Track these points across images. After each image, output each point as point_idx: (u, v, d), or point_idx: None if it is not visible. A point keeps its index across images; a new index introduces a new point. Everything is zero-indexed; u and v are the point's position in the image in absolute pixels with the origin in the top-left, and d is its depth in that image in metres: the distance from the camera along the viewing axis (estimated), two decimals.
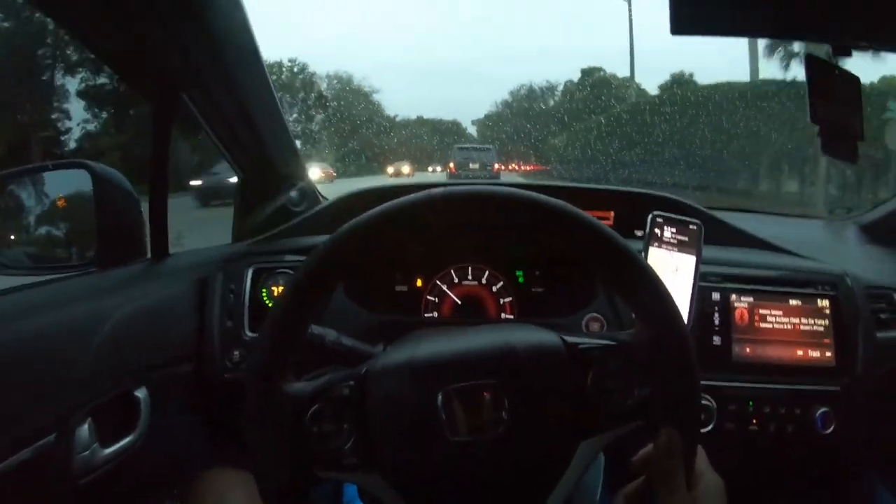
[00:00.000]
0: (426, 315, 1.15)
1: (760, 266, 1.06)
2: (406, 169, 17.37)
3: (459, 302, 1.15)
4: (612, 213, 1.32)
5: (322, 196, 1.35)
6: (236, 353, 0.99)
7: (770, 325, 1.00)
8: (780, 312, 1.00)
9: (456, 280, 1.16)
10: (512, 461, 0.51)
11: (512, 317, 1.15)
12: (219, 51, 0.94)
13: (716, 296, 1.01)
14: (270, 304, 1.04)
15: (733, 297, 1.01)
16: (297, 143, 1.30)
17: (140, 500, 0.96)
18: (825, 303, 1.02)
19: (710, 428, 0.96)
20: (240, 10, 0.92)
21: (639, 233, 1.14)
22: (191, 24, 0.87)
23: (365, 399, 0.52)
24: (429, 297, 1.16)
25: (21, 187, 1.06)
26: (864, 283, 1.07)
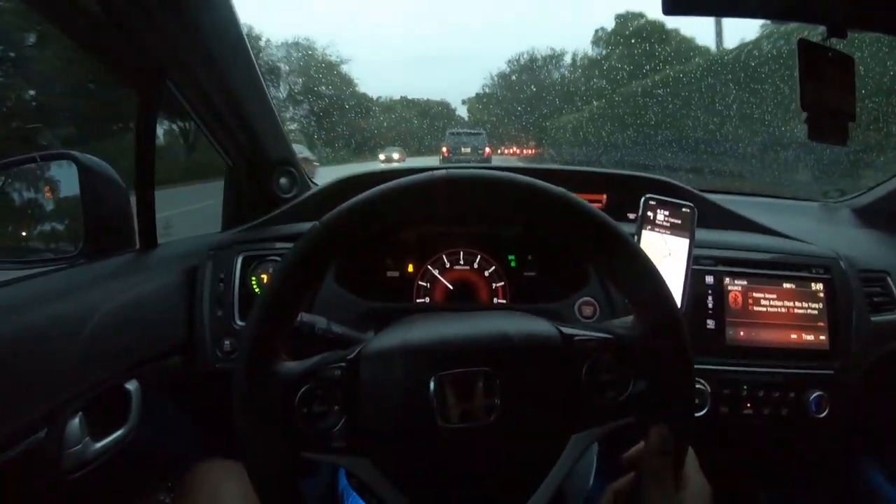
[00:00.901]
0: (418, 301, 1.15)
1: (754, 249, 1.06)
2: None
3: (451, 287, 1.15)
4: (605, 196, 1.31)
5: (312, 182, 1.33)
6: (227, 342, 0.99)
7: (764, 309, 1.00)
8: (774, 296, 1.00)
9: (448, 265, 1.16)
10: (502, 450, 0.51)
11: (504, 301, 1.14)
12: (203, 36, 0.92)
13: (709, 279, 1.00)
14: (260, 292, 1.03)
15: (727, 280, 1.00)
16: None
17: (132, 493, 0.96)
18: (819, 286, 1.01)
19: (703, 412, 0.96)
20: None
21: (631, 216, 1.13)
22: (173, 9, 0.85)
23: (356, 381, 0.52)
24: (420, 283, 1.15)
25: (7, 180, 1.05)
26: (858, 266, 1.07)
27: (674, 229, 0.91)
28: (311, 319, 0.75)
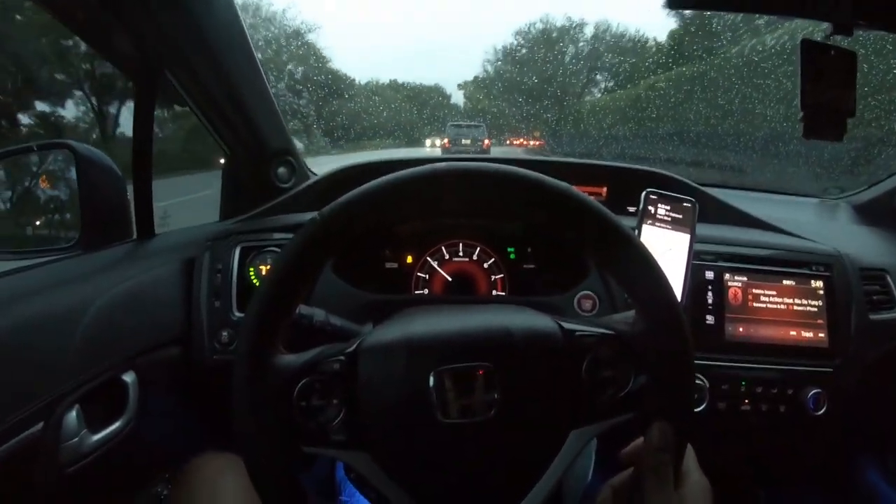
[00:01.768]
0: (417, 292, 1.14)
1: (755, 245, 1.06)
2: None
3: (450, 279, 1.15)
4: (605, 189, 1.31)
5: (311, 172, 1.32)
6: (224, 333, 0.98)
7: (763, 305, 1.00)
8: (774, 292, 1.00)
9: (447, 257, 1.15)
10: (502, 445, 0.51)
11: (504, 294, 1.14)
12: (201, 24, 0.92)
13: (709, 274, 1.00)
14: (258, 283, 1.02)
15: (727, 276, 1.00)
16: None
17: (130, 485, 0.96)
18: (819, 283, 1.01)
19: (702, 407, 0.96)
20: None
21: (632, 209, 1.13)
22: None
23: (355, 375, 0.51)
24: (419, 275, 1.15)
25: (3, 169, 1.05)
26: (858, 263, 1.07)
27: (675, 224, 0.90)
28: (309, 311, 0.75)
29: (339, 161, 1.37)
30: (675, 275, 0.89)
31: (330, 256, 0.52)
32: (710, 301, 0.99)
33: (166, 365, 0.95)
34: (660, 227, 0.90)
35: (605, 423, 0.52)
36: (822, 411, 0.98)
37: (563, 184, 0.50)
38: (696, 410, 0.95)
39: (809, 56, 0.72)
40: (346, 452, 0.51)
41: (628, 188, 1.11)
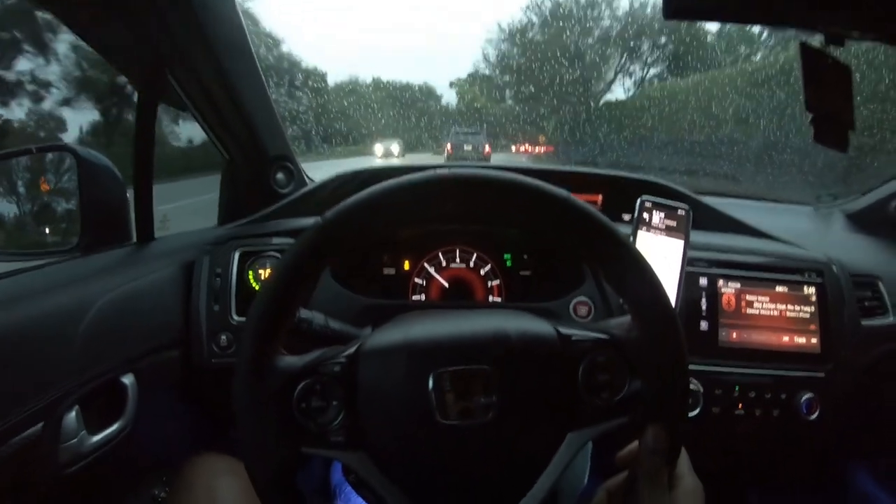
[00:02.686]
0: (414, 298, 1.15)
1: (748, 252, 1.07)
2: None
3: (447, 285, 1.15)
4: (600, 197, 1.32)
5: (309, 178, 1.33)
6: (223, 337, 0.99)
7: (756, 312, 1.01)
8: (767, 298, 1.01)
9: (444, 263, 1.16)
10: (499, 448, 0.51)
11: (500, 300, 1.15)
12: (204, 29, 0.92)
13: (703, 281, 1.01)
14: (259, 287, 1.03)
15: (720, 282, 1.01)
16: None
17: (128, 487, 0.96)
18: (811, 290, 1.02)
19: (696, 412, 0.97)
20: None
21: (626, 217, 1.14)
22: (175, 2, 0.85)
23: (355, 377, 0.52)
24: (416, 280, 1.15)
25: (3, 171, 1.05)
26: (850, 270, 1.08)
27: (669, 231, 0.91)
28: (308, 315, 0.76)
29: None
30: (670, 281, 0.90)
31: (333, 260, 0.52)
32: (703, 307, 1.00)
33: (165, 368, 0.96)
34: (654, 233, 0.91)
35: (601, 427, 0.52)
36: (814, 416, 0.98)
37: (562, 191, 0.50)
38: (690, 415, 0.96)
39: (808, 60, 0.73)
40: (345, 454, 0.51)
41: (623, 196, 1.12)
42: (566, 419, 0.52)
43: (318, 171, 1.36)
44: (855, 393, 1.03)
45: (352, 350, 0.54)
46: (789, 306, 1.01)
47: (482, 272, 1.16)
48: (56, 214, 1.09)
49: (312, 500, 1.02)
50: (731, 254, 1.06)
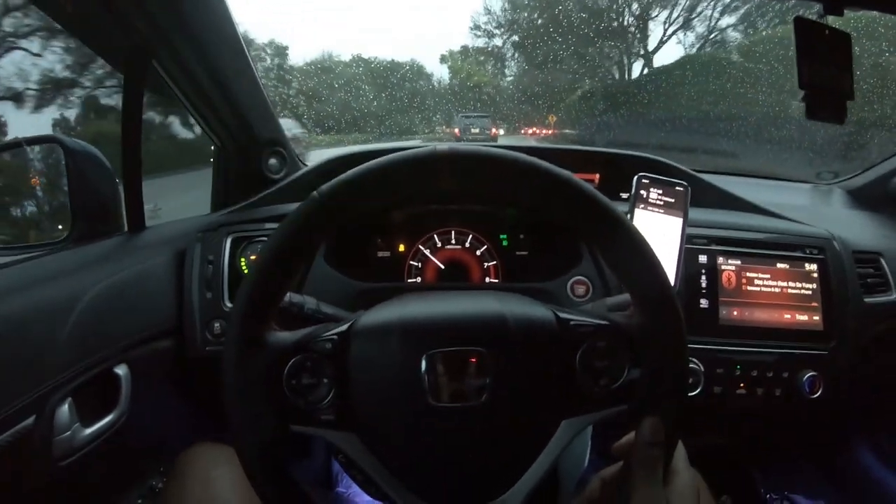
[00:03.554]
0: (409, 281, 1.14)
1: (748, 228, 1.05)
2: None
3: (443, 267, 1.15)
4: (598, 176, 1.31)
5: (302, 162, 1.32)
6: (216, 324, 0.98)
7: (757, 289, 1.00)
8: (768, 276, 1.00)
9: (439, 245, 1.15)
10: (491, 431, 0.50)
11: (497, 281, 1.14)
12: (188, 13, 0.90)
13: (703, 258, 1.00)
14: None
15: (720, 259, 1.00)
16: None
17: (124, 478, 0.96)
18: (813, 266, 1.01)
19: (697, 392, 0.96)
20: None
21: (624, 195, 1.12)
22: None
23: (347, 355, 0.51)
24: (412, 263, 1.15)
25: None
26: (852, 246, 1.06)
27: (667, 208, 0.90)
28: (300, 300, 0.74)
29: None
30: (669, 259, 0.89)
31: (326, 235, 0.52)
32: (703, 285, 0.99)
33: (159, 357, 0.95)
34: (652, 211, 0.90)
35: (598, 414, 0.52)
36: (817, 394, 0.97)
37: (561, 169, 0.49)
38: (691, 395, 0.95)
39: (803, 34, 0.72)
40: (334, 433, 0.50)
41: (621, 175, 1.11)
42: (562, 405, 0.52)
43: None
44: (857, 370, 1.02)
45: (344, 327, 0.53)
46: (791, 283, 1.00)
47: (478, 253, 1.15)
48: (47, 205, 1.08)
49: (312, 489, 1.01)
50: (731, 230, 1.04)
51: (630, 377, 0.52)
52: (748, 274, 1.00)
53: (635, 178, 0.91)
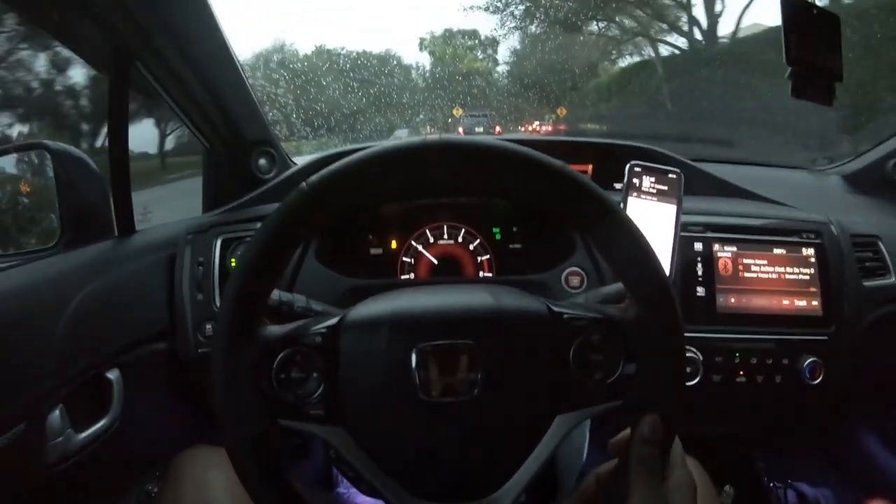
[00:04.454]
0: (402, 277, 1.13)
1: (743, 215, 1.05)
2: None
3: (436, 262, 1.14)
4: (591, 166, 1.30)
5: (292, 161, 1.31)
6: (208, 326, 0.97)
7: (755, 275, 0.99)
8: (765, 262, 0.99)
9: (431, 240, 1.14)
10: (483, 426, 0.49)
11: (490, 275, 1.13)
12: (171, 13, 0.89)
13: (698, 246, 0.99)
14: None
15: (716, 246, 0.99)
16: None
17: (119, 483, 0.95)
18: (810, 251, 1.00)
19: (696, 381, 0.95)
20: None
21: (618, 185, 1.12)
22: None
23: (337, 348, 0.51)
24: (405, 259, 1.14)
25: None
26: (849, 230, 1.06)
27: (660, 196, 0.89)
28: (289, 298, 0.74)
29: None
30: (663, 247, 0.88)
31: (315, 228, 0.51)
32: (699, 272, 0.98)
33: (151, 361, 0.94)
34: (645, 199, 0.89)
35: (593, 409, 0.51)
36: (818, 380, 0.96)
37: (554, 159, 0.48)
38: (690, 384, 0.94)
39: (790, 11, 0.71)
40: (323, 427, 0.50)
41: (614, 165, 1.10)
42: (556, 400, 0.50)
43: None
44: (858, 355, 1.01)
45: (334, 321, 0.52)
46: (788, 269, 0.99)
47: (471, 247, 1.14)
48: (36, 212, 1.08)
49: (311, 489, 1.01)
50: (726, 217, 1.03)
51: (625, 372, 0.51)
52: (745, 260, 0.99)
53: (627, 166, 0.90)
